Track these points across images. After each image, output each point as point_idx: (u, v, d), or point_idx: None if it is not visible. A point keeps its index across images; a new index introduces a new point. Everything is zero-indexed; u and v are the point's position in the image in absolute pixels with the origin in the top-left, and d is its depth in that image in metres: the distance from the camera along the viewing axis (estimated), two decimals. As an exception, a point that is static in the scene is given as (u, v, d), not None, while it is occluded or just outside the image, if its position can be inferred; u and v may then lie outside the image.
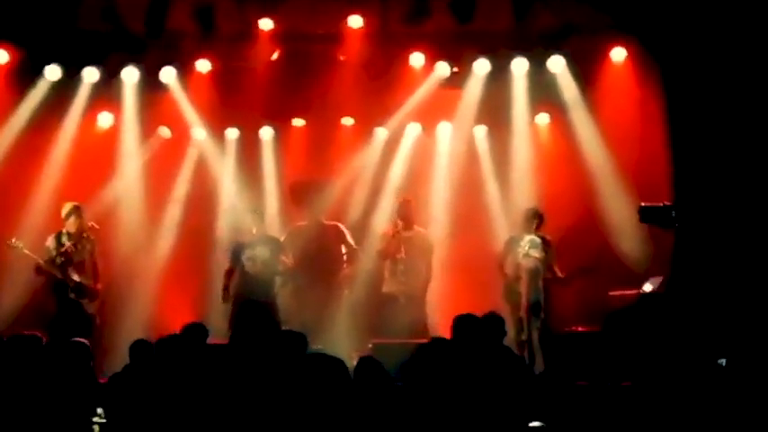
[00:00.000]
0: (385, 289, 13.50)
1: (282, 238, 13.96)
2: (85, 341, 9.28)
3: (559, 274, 12.95)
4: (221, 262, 13.79)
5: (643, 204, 11.83)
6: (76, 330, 10.68)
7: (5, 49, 13.83)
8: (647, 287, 12.61)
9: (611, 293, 12.88)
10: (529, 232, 12.92)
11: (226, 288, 13.25)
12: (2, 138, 14.13)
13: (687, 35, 12.93)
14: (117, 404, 8.31)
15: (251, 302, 12.28)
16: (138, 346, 9.07)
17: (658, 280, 12.64)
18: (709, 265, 12.17)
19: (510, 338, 12.26)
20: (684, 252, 12.38)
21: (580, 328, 12.36)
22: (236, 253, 13.35)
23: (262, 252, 13.27)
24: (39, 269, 12.81)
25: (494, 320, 9.60)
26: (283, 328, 11.56)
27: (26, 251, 12.80)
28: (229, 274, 13.33)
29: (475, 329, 8.74)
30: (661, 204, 11.77)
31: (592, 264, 13.11)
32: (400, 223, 13.38)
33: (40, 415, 8.01)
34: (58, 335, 10.79)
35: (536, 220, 13.02)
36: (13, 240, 12.83)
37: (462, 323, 8.98)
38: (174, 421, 7.53)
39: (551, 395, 8.23)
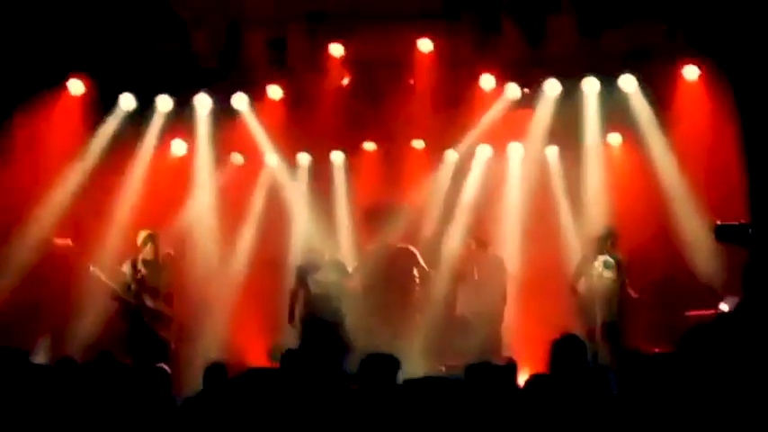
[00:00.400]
0: (458, 311, 13.47)
1: (356, 262, 14.04)
2: (166, 367, 9.34)
3: (633, 294, 12.83)
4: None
5: (719, 222, 11.69)
6: (151, 355, 10.80)
7: (81, 79, 14.02)
8: (725, 306, 12.43)
9: (687, 314, 12.71)
10: (602, 252, 12.81)
11: (291, 310, 13.31)
12: (79, 167, 14.30)
13: (761, 54, 12.79)
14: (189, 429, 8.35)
15: (317, 320, 12.40)
16: (213, 371, 9.10)
17: (736, 299, 12.46)
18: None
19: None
20: (759, 271, 12.17)
21: (656, 350, 12.22)
22: (302, 275, 13.43)
23: (328, 275, 13.33)
24: (115, 296, 12.94)
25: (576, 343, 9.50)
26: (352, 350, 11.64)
27: (104, 279, 12.93)
28: (294, 295, 13.43)
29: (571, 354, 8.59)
30: (737, 222, 11.62)
31: (665, 281, 12.97)
32: (474, 243, 13.39)
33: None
34: (132, 359, 10.91)
35: (610, 239, 12.92)
36: (92, 268, 12.98)
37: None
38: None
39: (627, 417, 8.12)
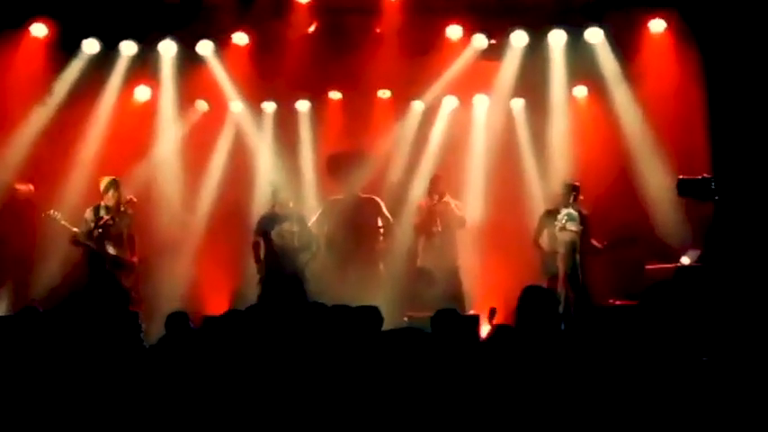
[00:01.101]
0: (420, 263, 13.52)
1: (319, 212, 14.04)
2: (138, 312, 9.35)
3: (597, 245, 12.90)
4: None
5: (681, 177, 11.75)
6: (112, 303, 10.75)
7: (43, 22, 13.85)
8: (685, 260, 12.52)
9: (648, 267, 12.77)
10: (566, 206, 12.84)
11: (258, 260, 13.31)
12: (40, 111, 14.17)
13: (726, 6, 12.81)
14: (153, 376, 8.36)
15: (277, 274, 12.40)
16: (174, 319, 9.09)
17: (696, 253, 12.56)
18: (748, 239, 12.08)
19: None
20: (722, 225, 12.27)
21: (617, 302, 12.32)
22: (263, 226, 13.40)
23: (289, 227, 13.30)
24: (75, 240, 12.85)
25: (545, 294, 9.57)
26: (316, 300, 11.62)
27: (63, 222, 12.84)
28: (256, 246, 13.40)
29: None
30: (700, 177, 11.68)
31: (630, 234, 13.02)
32: (436, 197, 13.41)
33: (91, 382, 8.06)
34: (92, 306, 10.86)
35: (573, 193, 12.94)
36: (52, 212, 12.89)
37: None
38: (208, 394, 7.56)
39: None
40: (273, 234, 13.27)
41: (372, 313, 8.18)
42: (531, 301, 8.32)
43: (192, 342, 8.48)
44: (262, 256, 13.33)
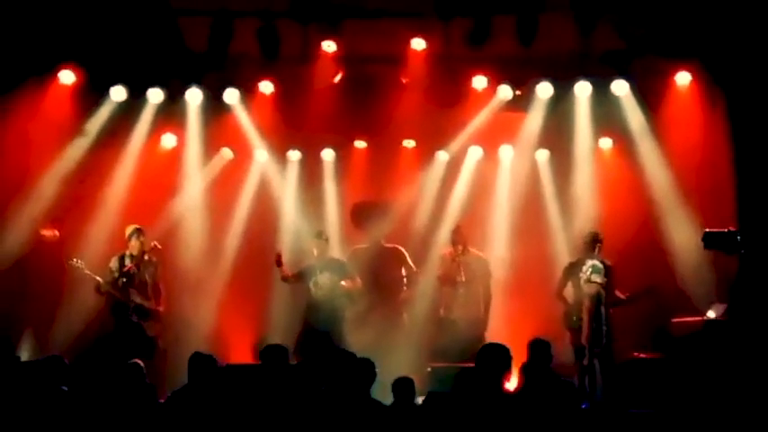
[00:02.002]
0: (444, 313, 13.48)
1: (341, 259, 14.04)
2: (140, 361, 9.33)
3: (621, 297, 12.80)
4: (282, 284, 13.84)
5: (707, 230, 11.69)
6: (137, 352, 10.75)
7: (71, 69, 13.95)
8: (711, 314, 12.42)
9: (673, 320, 12.68)
10: (589, 257, 12.77)
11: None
12: (67, 158, 14.24)
13: (752, 59, 12.81)
14: (176, 421, 8.36)
15: (313, 331, 12.42)
16: (197, 359, 9.03)
17: (722, 307, 12.46)
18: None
19: (570, 365, 12.21)
20: (749, 278, 12.20)
21: (642, 355, 12.23)
22: (303, 274, 13.48)
23: (324, 278, 13.33)
24: (99, 288, 12.87)
25: (540, 346, 9.59)
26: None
27: (86, 271, 12.87)
28: (292, 276, 13.48)
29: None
30: (726, 230, 11.62)
31: (652, 286, 12.93)
32: (460, 248, 13.38)
33: None
34: (117, 356, 10.87)
35: (597, 243, 12.88)
36: (75, 260, 12.92)
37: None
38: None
39: (610, 422, 8.15)
40: (311, 284, 13.31)
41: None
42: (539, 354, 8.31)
43: (215, 390, 8.49)
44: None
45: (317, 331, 13.02)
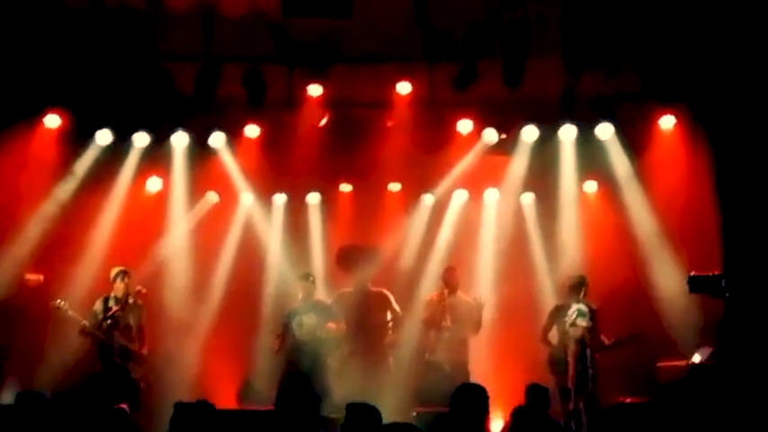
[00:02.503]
0: (429, 357, 13.45)
1: (327, 302, 14.02)
2: (125, 406, 9.27)
3: (606, 342, 12.79)
4: (267, 327, 13.84)
5: (692, 273, 11.71)
6: (121, 395, 10.68)
7: (57, 113, 13.94)
8: (697, 358, 12.42)
9: (659, 364, 12.69)
10: (575, 300, 12.77)
11: (279, 343, 13.39)
12: (53, 201, 14.21)
13: (736, 102, 12.86)
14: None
15: (295, 374, 12.37)
16: (181, 410, 8.96)
17: (708, 351, 12.46)
18: (760, 336, 11.99)
19: (556, 409, 12.16)
20: (734, 322, 12.20)
21: (628, 400, 12.20)
22: (287, 320, 13.47)
23: (309, 318, 13.36)
24: (84, 331, 12.86)
25: (538, 392, 9.57)
26: (329, 395, 11.63)
27: (71, 312, 12.88)
28: (279, 338, 13.46)
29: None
30: (711, 274, 11.64)
31: (637, 332, 12.93)
32: (446, 291, 13.38)
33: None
34: (102, 399, 10.79)
35: (583, 287, 12.89)
36: (59, 302, 12.92)
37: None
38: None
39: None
40: (294, 325, 13.33)
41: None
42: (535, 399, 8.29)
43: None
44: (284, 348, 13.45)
45: (301, 373, 13.00)
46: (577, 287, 12.90)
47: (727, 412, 8.82)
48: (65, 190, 14.25)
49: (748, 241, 12.65)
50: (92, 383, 12.22)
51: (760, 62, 12.39)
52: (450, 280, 13.55)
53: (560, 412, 12.22)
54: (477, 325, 13.52)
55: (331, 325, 13.54)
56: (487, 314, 13.85)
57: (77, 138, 14.24)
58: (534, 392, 9.97)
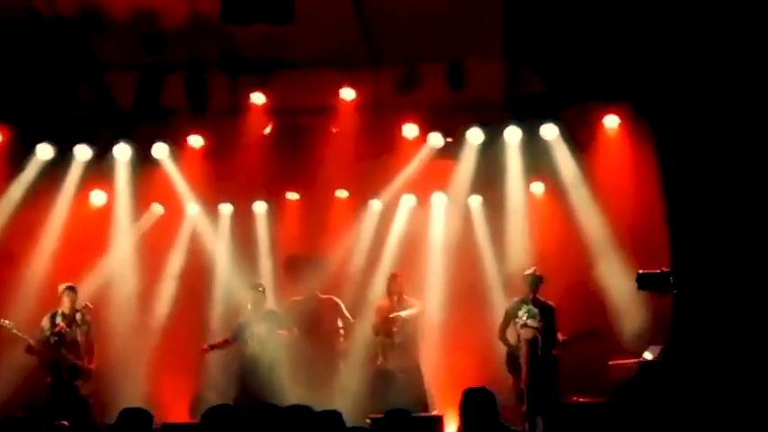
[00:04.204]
0: (380, 363, 13.40)
1: (277, 310, 13.95)
2: (67, 423, 9.14)
3: (560, 337, 12.78)
4: (215, 338, 13.77)
5: (641, 271, 11.74)
6: (70, 411, 10.57)
7: (-2, 128, 13.79)
8: (648, 355, 12.44)
9: (610, 362, 12.70)
10: (528, 297, 12.76)
11: (213, 346, 13.46)
12: (-5, 217, 14.05)
13: (679, 98, 12.92)
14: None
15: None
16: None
17: (658, 348, 12.49)
18: (708, 331, 12.04)
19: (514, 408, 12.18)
20: (683, 318, 12.25)
21: (581, 399, 12.21)
22: (238, 332, 13.49)
23: (261, 328, 13.31)
24: (29, 349, 12.73)
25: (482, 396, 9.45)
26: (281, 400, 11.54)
27: (15, 331, 12.74)
28: (223, 342, 13.47)
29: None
30: (659, 271, 11.68)
31: (589, 329, 12.93)
32: (395, 297, 13.37)
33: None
34: (52, 416, 10.66)
35: (538, 283, 12.86)
36: (3, 321, 12.77)
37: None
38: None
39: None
40: (247, 336, 13.26)
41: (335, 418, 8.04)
42: (473, 403, 8.22)
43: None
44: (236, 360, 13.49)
45: (254, 386, 12.96)
46: (531, 282, 12.86)
47: (678, 408, 8.85)
48: (7, 205, 14.05)
49: (695, 237, 12.71)
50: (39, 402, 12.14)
51: (700, 57, 12.44)
52: (393, 287, 13.55)
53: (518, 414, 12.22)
54: (414, 318, 13.52)
55: (282, 332, 13.48)
56: (438, 316, 13.84)
57: (18, 152, 14.06)
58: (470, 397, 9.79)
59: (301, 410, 8.13)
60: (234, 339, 13.54)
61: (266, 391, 12.69)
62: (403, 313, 13.44)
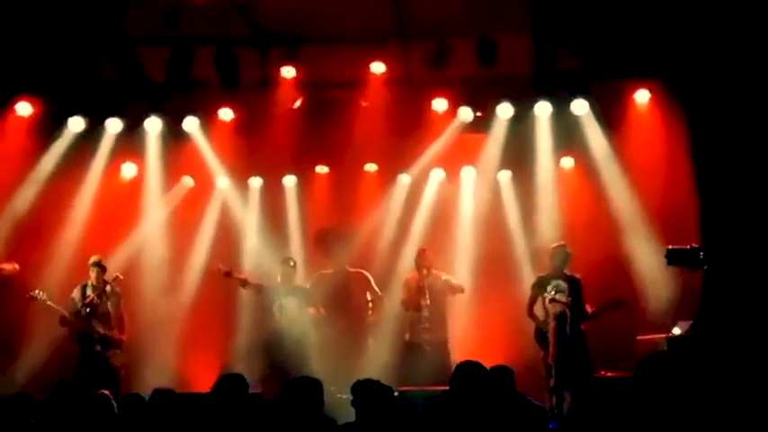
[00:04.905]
0: (408, 337, 13.44)
1: (307, 287, 13.98)
2: (108, 393, 9.22)
3: (587, 311, 12.77)
4: (245, 310, 13.85)
5: (670, 247, 11.72)
6: (102, 382, 10.64)
7: (29, 101, 13.84)
8: (677, 330, 12.41)
9: (638, 338, 12.69)
10: (556, 271, 12.76)
11: (229, 273, 13.65)
12: (26, 189, 14.11)
13: (710, 75, 12.85)
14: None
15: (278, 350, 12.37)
16: (159, 397, 8.90)
17: (687, 323, 12.46)
18: (738, 307, 12.00)
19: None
20: (712, 294, 12.21)
21: (609, 374, 12.21)
22: (265, 291, 13.58)
23: (290, 302, 13.36)
24: (63, 320, 12.81)
25: (501, 372, 9.45)
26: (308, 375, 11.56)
27: (49, 302, 12.81)
28: (244, 280, 13.63)
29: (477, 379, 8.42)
30: (688, 246, 11.65)
31: (617, 299, 12.88)
32: (425, 271, 13.38)
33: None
34: (83, 386, 10.73)
35: (565, 257, 12.86)
36: (37, 291, 12.85)
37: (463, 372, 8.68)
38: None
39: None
40: (275, 308, 13.33)
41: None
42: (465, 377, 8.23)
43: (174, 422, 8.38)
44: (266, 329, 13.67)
45: (280, 360, 13.04)
46: (561, 256, 12.86)
47: (707, 383, 8.83)
48: (38, 178, 14.14)
49: (725, 213, 12.66)
50: (71, 373, 12.24)
51: (733, 33, 12.36)
52: (422, 262, 13.56)
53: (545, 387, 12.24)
54: (457, 288, 13.54)
55: (311, 310, 13.54)
56: (467, 290, 13.85)
57: (50, 125, 14.13)
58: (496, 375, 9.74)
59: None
60: (257, 291, 13.62)
61: (293, 364, 12.75)
62: (445, 276, 13.51)
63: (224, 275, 13.61)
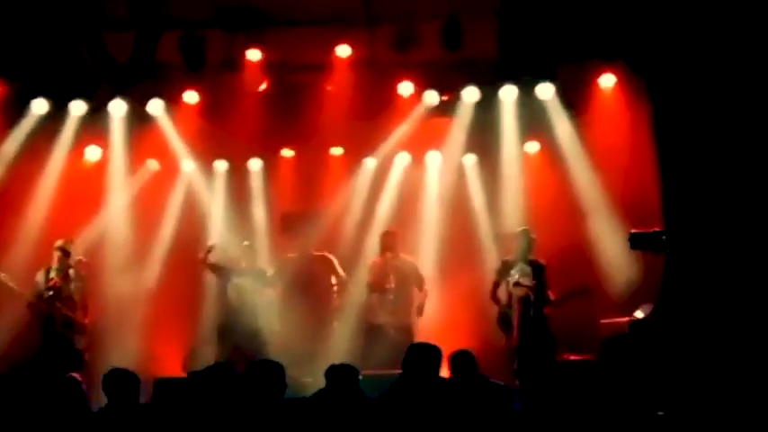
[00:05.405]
0: (373, 320, 13.46)
1: (272, 270, 13.96)
2: (78, 376, 9.21)
3: (551, 297, 12.81)
4: (210, 292, 13.84)
5: (633, 231, 11.77)
6: (65, 365, 10.63)
7: (-8, 83, 13.77)
8: (639, 314, 12.50)
9: (602, 321, 12.76)
10: (520, 255, 12.79)
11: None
12: (-11, 171, 14.05)
13: (675, 58, 12.90)
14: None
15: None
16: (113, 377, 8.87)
17: (649, 307, 12.55)
18: (700, 291, 12.08)
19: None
20: (675, 278, 12.28)
21: (572, 357, 12.28)
22: (225, 273, 13.54)
23: (246, 283, 13.35)
24: (31, 305, 12.75)
25: (461, 356, 9.52)
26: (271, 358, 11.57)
27: (11, 284, 12.76)
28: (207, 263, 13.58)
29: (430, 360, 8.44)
30: (651, 230, 11.71)
31: (581, 287, 12.94)
32: (389, 254, 13.38)
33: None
34: (46, 369, 10.72)
35: (528, 241, 12.89)
36: (0, 274, 12.79)
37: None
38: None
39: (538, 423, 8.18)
40: (230, 287, 13.31)
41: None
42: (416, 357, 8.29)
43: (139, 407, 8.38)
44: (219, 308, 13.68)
45: (235, 339, 13.04)
46: (524, 241, 12.89)
47: (668, 366, 8.90)
48: (1, 160, 14.06)
49: (688, 197, 12.73)
50: (34, 356, 12.20)
51: (697, 15, 12.41)
52: (388, 243, 13.55)
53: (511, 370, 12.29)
54: (420, 281, 13.56)
55: (268, 291, 13.54)
56: (432, 274, 13.90)
57: (14, 107, 14.04)
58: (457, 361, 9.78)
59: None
60: (215, 271, 13.69)
61: (249, 345, 12.78)
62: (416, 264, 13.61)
63: (201, 262, 13.62)
